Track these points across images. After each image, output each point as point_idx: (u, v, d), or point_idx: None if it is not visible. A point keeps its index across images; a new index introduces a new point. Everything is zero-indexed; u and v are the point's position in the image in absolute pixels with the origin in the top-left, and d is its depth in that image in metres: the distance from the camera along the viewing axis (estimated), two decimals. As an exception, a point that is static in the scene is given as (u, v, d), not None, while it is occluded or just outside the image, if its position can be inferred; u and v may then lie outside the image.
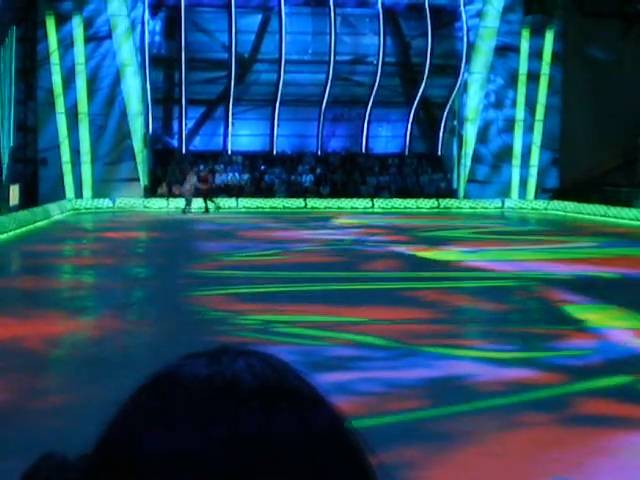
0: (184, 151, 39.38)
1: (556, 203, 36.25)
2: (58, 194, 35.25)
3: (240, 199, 37.01)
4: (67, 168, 36.40)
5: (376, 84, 39.65)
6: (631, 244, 22.85)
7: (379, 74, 39.51)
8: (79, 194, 36.32)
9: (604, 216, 31.78)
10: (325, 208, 36.46)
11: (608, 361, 9.25)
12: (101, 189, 36.57)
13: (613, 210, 31.90)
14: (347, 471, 0.69)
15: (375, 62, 39.53)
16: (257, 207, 36.46)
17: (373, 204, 37.39)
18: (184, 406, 0.68)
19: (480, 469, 6.13)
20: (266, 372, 0.72)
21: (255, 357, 0.74)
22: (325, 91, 39.56)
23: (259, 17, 39.59)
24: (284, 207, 36.65)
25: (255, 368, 0.72)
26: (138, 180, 37.39)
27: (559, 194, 37.14)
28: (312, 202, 37.17)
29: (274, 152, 40.38)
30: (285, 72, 38.99)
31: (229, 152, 39.90)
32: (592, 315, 11.96)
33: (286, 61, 38.89)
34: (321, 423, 0.70)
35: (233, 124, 39.74)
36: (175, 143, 39.85)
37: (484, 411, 7.49)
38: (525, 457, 6.33)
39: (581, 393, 8.08)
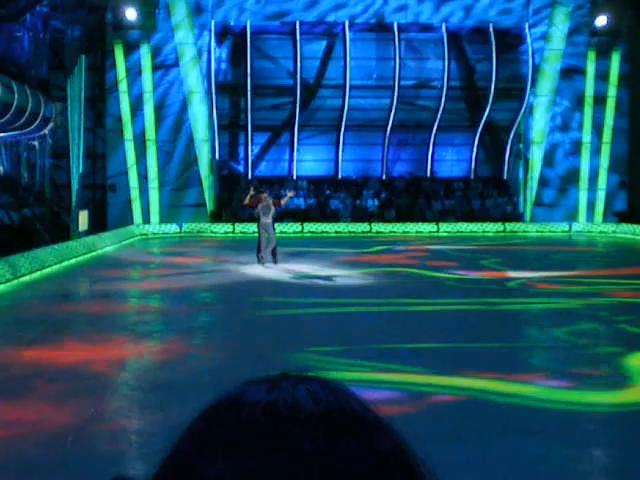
0: (250, 176, 39.72)
1: (625, 226, 35.74)
2: (126, 220, 35.83)
3: (305, 224, 37.16)
4: (135, 194, 36.99)
5: (441, 108, 39.61)
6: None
7: (444, 98, 39.46)
8: (147, 219, 36.85)
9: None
10: (390, 232, 36.43)
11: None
12: (168, 214, 37.07)
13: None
14: None
15: (440, 86, 39.51)
16: (322, 232, 36.58)
17: (438, 228, 37.26)
18: (245, 433, 0.66)
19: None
20: (328, 398, 0.71)
21: (316, 383, 0.74)
22: (389, 116, 39.63)
23: (324, 43, 39.88)
24: (349, 232, 36.71)
25: (317, 394, 0.71)
26: (205, 205, 37.81)
27: (627, 217, 36.60)
28: (377, 227, 37.17)
29: (339, 177, 40.53)
30: (349, 97, 39.16)
31: (294, 177, 40.16)
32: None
33: (350, 86, 39.07)
34: (384, 449, 0.69)
35: (298, 149, 40.02)
36: (241, 169, 40.25)
37: None
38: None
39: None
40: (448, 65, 39.45)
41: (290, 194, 25.42)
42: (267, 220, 22.43)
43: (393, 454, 0.68)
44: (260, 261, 22.32)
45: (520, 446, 7.04)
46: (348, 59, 39.05)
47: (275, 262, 22.16)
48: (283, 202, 24.21)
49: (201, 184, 37.81)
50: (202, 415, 0.72)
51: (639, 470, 6.67)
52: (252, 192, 23.43)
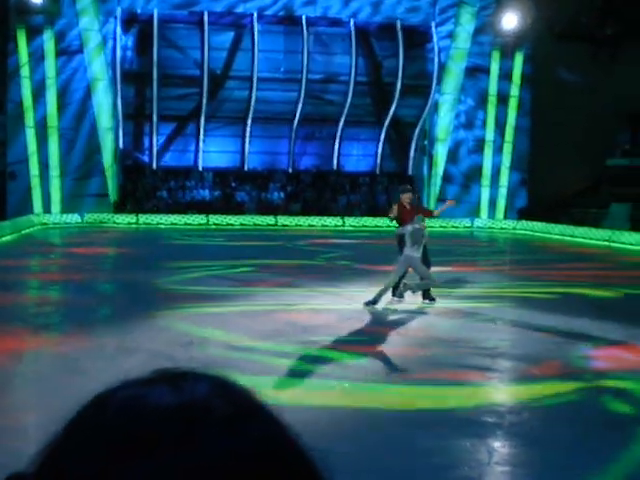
0: (155, 167, 39.26)
1: (525, 223, 36.47)
2: (26, 209, 35.02)
3: (210, 215, 36.92)
4: (36, 182, 36.20)
5: (348, 103, 39.79)
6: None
7: (351, 93, 39.66)
8: (47, 209, 36.09)
9: (571, 236, 32.02)
10: (296, 225, 36.47)
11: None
12: (70, 204, 36.38)
13: (580, 231, 32.16)
14: None
15: (347, 81, 39.69)
16: (227, 224, 36.40)
17: (344, 222, 37.44)
18: (158, 440, 0.65)
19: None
20: (229, 397, 0.71)
21: (212, 381, 0.73)
22: (297, 109, 39.65)
23: (232, 34, 39.66)
24: (255, 224, 36.61)
25: (218, 393, 0.71)
26: (107, 195, 37.23)
27: (528, 214, 37.38)
28: (282, 219, 37.17)
29: (245, 169, 40.38)
30: (257, 89, 39.05)
31: (200, 168, 39.84)
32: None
33: (258, 79, 38.96)
34: (282, 441, 0.70)
35: (204, 141, 39.72)
36: (146, 159, 39.74)
37: None
38: None
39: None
40: (356, 60, 39.66)
41: (450, 202, 17.23)
42: (415, 253, 13.96)
43: (287, 446, 0.70)
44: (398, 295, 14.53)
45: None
46: (256, 51, 38.91)
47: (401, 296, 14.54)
48: (439, 211, 17.03)
49: (104, 174, 37.22)
50: (89, 419, 0.70)
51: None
52: (407, 199, 14.95)
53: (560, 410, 8.29)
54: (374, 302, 13.77)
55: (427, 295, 14.57)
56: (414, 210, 14.57)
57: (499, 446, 7.22)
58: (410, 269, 14.13)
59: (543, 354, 10.78)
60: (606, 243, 30.03)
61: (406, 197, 14.86)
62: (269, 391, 8.28)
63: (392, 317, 13.57)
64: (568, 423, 7.81)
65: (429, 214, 15.74)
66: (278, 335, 11.57)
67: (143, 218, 35.75)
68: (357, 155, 41.62)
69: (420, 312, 13.97)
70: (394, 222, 15.00)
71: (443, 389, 8.96)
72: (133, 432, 0.66)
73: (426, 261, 14.33)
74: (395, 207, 14.87)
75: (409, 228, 13.82)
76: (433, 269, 15.04)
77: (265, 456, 0.67)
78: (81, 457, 0.66)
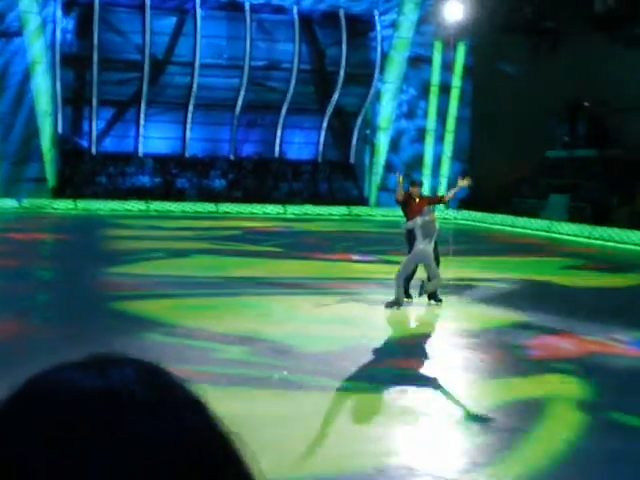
0: (94, 152, 38.76)
1: (466, 213, 36.74)
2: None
3: (150, 202, 36.57)
4: (-28, 166, 35.54)
5: (290, 91, 39.69)
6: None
7: (293, 81, 39.56)
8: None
9: (512, 226, 32.36)
10: (237, 213, 36.30)
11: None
12: (7, 189, 35.76)
13: (520, 221, 32.51)
14: (231, 473, 0.70)
15: (290, 68, 39.58)
16: (168, 210, 36.09)
17: (285, 210, 37.38)
18: (82, 422, 0.66)
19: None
20: (154, 381, 0.72)
21: (140, 367, 0.73)
22: (239, 96, 39.44)
23: (174, 19, 39.28)
24: (195, 211, 36.37)
25: (144, 378, 0.71)
26: (46, 180, 36.68)
27: (469, 204, 37.64)
28: (224, 207, 36.97)
29: (186, 155, 40.06)
30: (199, 75, 38.75)
31: (140, 154, 39.43)
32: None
33: (200, 64, 38.66)
34: (200, 427, 0.70)
35: (145, 126, 39.31)
36: (85, 144, 39.20)
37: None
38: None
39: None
40: (299, 48, 39.56)
41: (462, 182, 15.23)
42: (428, 247, 13.06)
43: (210, 434, 0.70)
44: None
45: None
46: (199, 37, 38.60)
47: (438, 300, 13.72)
48: (451, 195, 15.45)
49: (42, 158, 36.65)
50: (20, 403, 0.70)
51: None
52: (401, 180, 14.25)
53: (497, 395, 8.36)
54: (397, 303, 12.94)
55: (434, 295, 13.57)
56: (423, 203, 13.51)
57: (435, 433, 7.25)
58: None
59: (487, 343, 10.86)
60: (545, 233, 30.41)
61: (415, 190, 13.83)
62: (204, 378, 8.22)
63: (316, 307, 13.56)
64: (504, 409, 7.87)
65: (439, 201, 14.74)
66: (219, 324, 11.50)
67: (82, 204, 35.29)
68: (299, 143, 41.54)
69: (357, 301, 13.97)
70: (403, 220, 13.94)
71: (384, 377, 8.98)
72: (60, 416, 0.67)
73: (435, 258, 13.38)
74: (401, 191, 13.95)
75: (418, 220, 12.96)
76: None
77: (182, 444, 0.67)
78: (11, 441, 0.67)
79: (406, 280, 13.24)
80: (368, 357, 9.84)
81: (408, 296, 13.34)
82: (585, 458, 6.70)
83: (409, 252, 13.28)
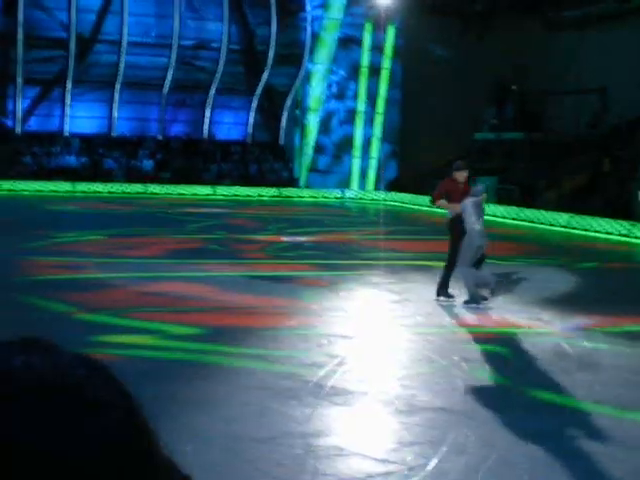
0: (19, 132, 37.98)
1: (394, 194, 36.90)
2: None
3: (77, 183, 35.96)
4: None
5: (219, 70, 39.36)
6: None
7: (223, 60, 39.23)
8: None
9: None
10: (165, 194, 35.91)
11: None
12: None
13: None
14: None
15: (219, 48, 39.23)
16: (94, 191, 35.53)
17: (215, 191, 37.10)
18: None
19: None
20: (44, 368, 0.69)
21: (38, 351, 0.70)
22: (167, 75, 38.98)
23: (101, -4, 38.59)
24: (123, 192, 35.87)
25: (35, 365, 0.69)
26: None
27: (398, 186, 37.84)
28: (152, 188, 36.54)
29: (113, 135, 39.48)
30: (126, 54, 38.18)
31: (66, 134, 38.73)
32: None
33: (128, 43, 38.08)
34: (94, 427, 0.67)
35: (71, 105, 38.62)
36: (9, 123, 38.36)
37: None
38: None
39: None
40: (228, 27, 39.22)
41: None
42: (478, 227, 12.05)
43: (100, 433, 0.67)
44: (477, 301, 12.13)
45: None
46: (126, 15, 37.99)
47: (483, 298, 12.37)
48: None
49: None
50: None
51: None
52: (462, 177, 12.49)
53: (424, 376, 8.39)
54: (474, 300, 11.97)
55: (444, 291, 12.40)
56: (467, 189, 12.29)
57: (364, 413, 7.24)
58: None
59: (415, 324, 10.90)
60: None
61: (461, 175, 12.39)
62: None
63: (244, 285, 13.49)
64: (430, 389, 7.90)
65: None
66: (145, 305, 11.35)
67: (7, 184, 34.52)
68: (228, 123, 41.23)
69: (278, 282, 13.92)
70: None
71: (312, 358, 8.94)
72: None
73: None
74: (442, 187, 12.52)
75: (470, 201, 11.88)
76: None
77: (61, 430, 0.65)
78: None
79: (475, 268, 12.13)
80: (298, 340, 9.81)
81: (449, 295, 12.27)
82: (509, 437, 6.74)
83: (452, 242, 12.20)
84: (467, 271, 11.93)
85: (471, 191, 12.14)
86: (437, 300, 12.19)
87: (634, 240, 23.54)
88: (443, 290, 12.28)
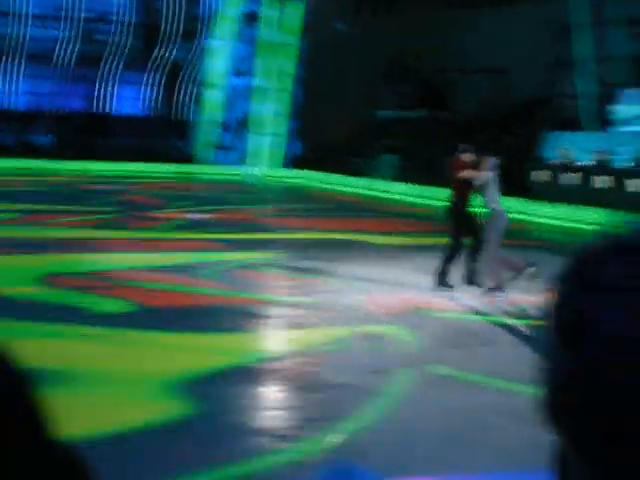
0: None
1: (298, 172, 36.77)
2: None
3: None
4: None
5: (119, 44, 38.59)
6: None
7: (121, 34, 38.47)
8: None
9: (343, 185, 32.61)
10: (66, 171, 35.05)
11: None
12: None
13: (351, 180, 32.80)
14: None
15: (119, 21, 38.47)
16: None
17: (114, 167, 36.34)
18: None
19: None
20: None
21: None
22: (66, 48, 38.04)
23: (-5, -34, 37.43)
24: (18, 169, 34.85)
25: None
26: None
27: (302, 163, 37.72)
28: (50, 164, 35.60)
29: (8, 109, 38.33)
30: (23, 26, 37.11)
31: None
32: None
33: (24, 15, 37.02)
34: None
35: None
36: None
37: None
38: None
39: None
40: (128, 0, 38.46)
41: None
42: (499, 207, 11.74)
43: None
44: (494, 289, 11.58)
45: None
46: (22, -15, 36.96)
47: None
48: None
49: None
50: None
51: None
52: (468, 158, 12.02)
53: (331, 355, 8.36)
54: (499, 288, 11.44)
55: (443, 280, 11.80)
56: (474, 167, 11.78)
57: (275, 393, 7.19)
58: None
59: (316, 301, 10.86)
60: (376, 193, 30.80)
61: (467, 156, 12.01)
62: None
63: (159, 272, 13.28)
64: (334, 366, 7.88)
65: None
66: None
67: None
68: (128, 98, 40.48)
69: (179, 262, 13.74)
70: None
71: (219, 338, 8.84)
72: None
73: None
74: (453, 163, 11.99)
75: (489, 175, 11.33)
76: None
77: None
78: None
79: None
80: (203, 320, 9.70)
81: (449, 285, 11.68)
82: (417, 413, 6.75)
83: (454, 229, 11.68)
84: (497, 257, 11.39)
85: (489, 164, 11.57)
86: (436, 290, 11.56)
87: (529, 218, 23.97)
88: (442, 279, 11.70)
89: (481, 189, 11.47)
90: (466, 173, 11.65)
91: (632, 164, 25.08)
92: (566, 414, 0.73)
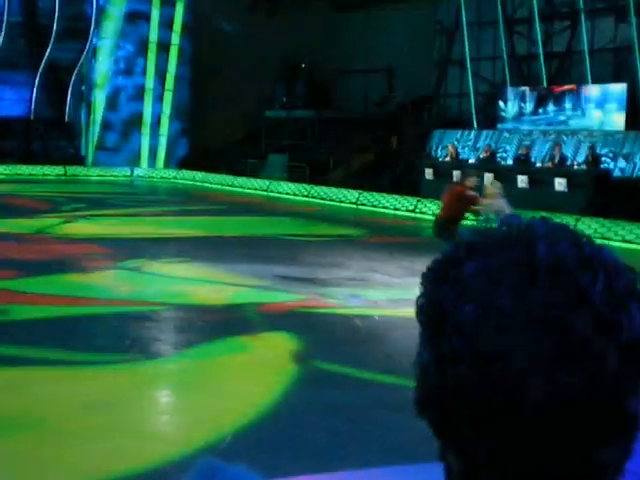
0: None
1: (185, 172, 36.38)
2: None
3: None
4: None
5: (0, 45, 37.48)
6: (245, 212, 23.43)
7: (2, 34, 37.36)
8: None
9: (231, 186, 32.34)
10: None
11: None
12: None
13: (239, 180, 32.56)
14: None
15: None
16: None
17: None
18: None
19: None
20: None
21: None
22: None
23: None
24: None
25: None
26: None
27: (188, 164, 37.32)
28: None
29: None
30: None
31: None
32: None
33: None
34: None
35: None
36: None
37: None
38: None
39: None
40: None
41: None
42: None
43: None
44: None
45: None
46: None
47: None
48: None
49: None
50: None
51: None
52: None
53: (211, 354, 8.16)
54: None
55: None
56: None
57: (141, 390, 6.96)
58: None
59: (196, 296, 10.64)
60: (265, 193, 30.64)
61: (470, 181, 12.32)
62: None
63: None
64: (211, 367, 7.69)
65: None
66: None
67: None
68: (10, 100, 39.25)
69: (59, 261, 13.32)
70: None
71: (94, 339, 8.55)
72: None
73: None
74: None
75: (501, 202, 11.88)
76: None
77: None
78: None
79: None
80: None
81: None
82: (301, 409, 6.60)
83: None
84: None
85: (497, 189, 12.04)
86: None
87: (420, 215, 24.16)
88: None
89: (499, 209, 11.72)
90: (488, 201, 12.05)
91: (515, 161, 25.54)
92: (423, 405, 0.79)
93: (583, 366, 0.72)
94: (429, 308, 0.78)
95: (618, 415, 0.75)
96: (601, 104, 25.65)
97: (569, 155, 24.72)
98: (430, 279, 0.79)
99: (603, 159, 23.95)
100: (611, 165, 23.86)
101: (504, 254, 0.75)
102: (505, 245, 0.76)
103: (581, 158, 24.27)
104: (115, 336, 8.94)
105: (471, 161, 26.54)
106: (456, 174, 12.55)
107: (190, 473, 1.27)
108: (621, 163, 23.88)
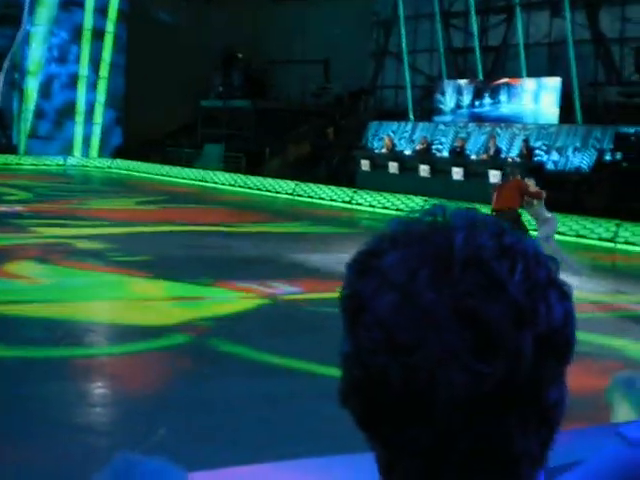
0: None
1: (119, 162, 36.00)
2: None
3: None
4: None
5: None
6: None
7: None
8: None
9: (166, 175, 32.09)
10: None
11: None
12: None
13: (175, 170, 32.33)
14: None
15: None
16: None
17: None
18: None
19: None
20: None
21: None
22: None
23: None
24: None
25: None
26: None
27: (123, 153, 36.92)
28: None
29: None
30: None
31: None
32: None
33: None
34: None
35: None
36: None
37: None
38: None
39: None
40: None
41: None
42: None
43: None
44: None
45: None
46: None
47: None
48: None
49: None
50: None
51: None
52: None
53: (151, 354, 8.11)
54: (578, 273, 12.19)
55: None
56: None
57: (92, 388, 6.89)
58: None
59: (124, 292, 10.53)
60: (200, 182, 30.45)
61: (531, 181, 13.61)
62: None
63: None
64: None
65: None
66: None
67: None
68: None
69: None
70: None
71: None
72: None
73: None
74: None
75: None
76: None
77: None
78: None
79: None
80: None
81: None
82: (235, 401, 6.56)
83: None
84: (561, 254, 12.28)
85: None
86: None
87: (356, 207, 24.22)
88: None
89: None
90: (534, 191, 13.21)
91: (451, 153, 25.74)
92: (347, 396, 0.80)
93: (500, 356, 0.72)
94: (350, 299, 0.78)
95: (536, 405, 0.75)
96: (536, 97, 25.98)
97: (504, 148, 25.00)
98: (353, 270, 0.79)
99: (537, 152, 24.27)
100: (544, 158, 24.19)
101: (424, 245, 0.76)
102: (427, 236, 0.77)
103: (515, 151, 24.58)
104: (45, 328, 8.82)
105: (407, 152, 26.71)
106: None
107: (105, 471, 1.22)
108: (554, 156, 24.23)
